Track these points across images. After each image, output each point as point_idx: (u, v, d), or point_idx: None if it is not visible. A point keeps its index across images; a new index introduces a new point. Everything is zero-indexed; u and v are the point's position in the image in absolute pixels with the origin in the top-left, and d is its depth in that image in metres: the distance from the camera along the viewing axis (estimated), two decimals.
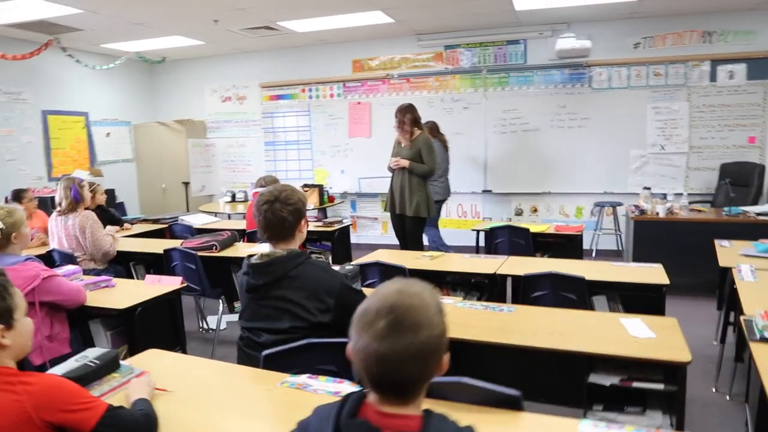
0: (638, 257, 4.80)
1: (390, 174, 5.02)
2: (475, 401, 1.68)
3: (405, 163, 4.76)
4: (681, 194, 5.30)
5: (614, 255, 6.14)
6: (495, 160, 6.88)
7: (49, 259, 4.25)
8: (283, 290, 2.11)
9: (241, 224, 5.58)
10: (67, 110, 6.95)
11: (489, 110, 6.84)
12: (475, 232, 4.80)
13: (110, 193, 6.83)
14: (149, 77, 8.20)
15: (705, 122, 6.14)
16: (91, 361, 1.83)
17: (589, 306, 2.99)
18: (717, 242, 3.84)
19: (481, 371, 2.24)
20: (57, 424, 1.38)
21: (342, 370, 2.10)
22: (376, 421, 1.02)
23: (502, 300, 3.28)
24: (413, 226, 4.88)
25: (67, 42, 6.50)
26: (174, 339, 3.17)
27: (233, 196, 7.28)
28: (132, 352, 2.90)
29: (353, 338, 1.06)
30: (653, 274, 3.12)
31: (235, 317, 4.51)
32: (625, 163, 6.44)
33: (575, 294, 2.97)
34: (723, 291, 3.60)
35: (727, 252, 3.57)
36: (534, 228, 4.51)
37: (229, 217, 6.30)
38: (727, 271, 3.44)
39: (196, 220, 5.42)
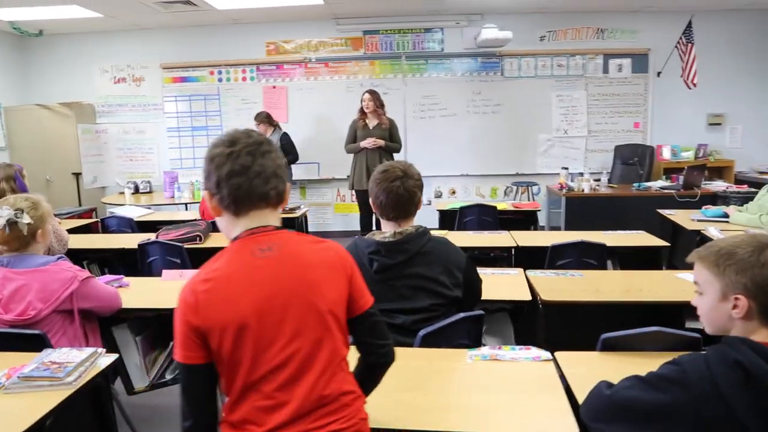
0: (571, 229, 5.33)
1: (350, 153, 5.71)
2: (659, 348, 1.83)
3: (381, 142, 5.47)
4: (601, 173, 5.96)
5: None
6: (415, 145, 7.08)
7: None
8: (416, 267, 2.08)
9: (181, 215, 5.21)
10: None
11: (408, 95, 7.02)
12: (438, 212, 5.00)
13: None
14: (20, 53, 7.04)
15: (600, 109, 6.95)
16: None
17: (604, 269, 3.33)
18: (662, 211, 4.44)
19: (595, 330, 2.42)
20: None
21: (473, 343, 2.14)
22: None
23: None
24: None
25: None
26: None
27: (136, 188, 6.64)
28: None
29: (742, 275, 1.22)
30: (645, 238, 3.57)
31: None
32: (534, 146, 7.05)
33: (595, 260, 3.28)
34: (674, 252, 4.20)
35: (678, 218, 4.14)
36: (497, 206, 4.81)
37: (186, 207, 5.82)
38: (678, 233, 4.06)
39: (131, 213, 4.88)
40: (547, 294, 2.42)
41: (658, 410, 1.20)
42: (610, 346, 1.84)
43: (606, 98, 6.91)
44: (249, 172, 1.25)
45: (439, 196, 7.24)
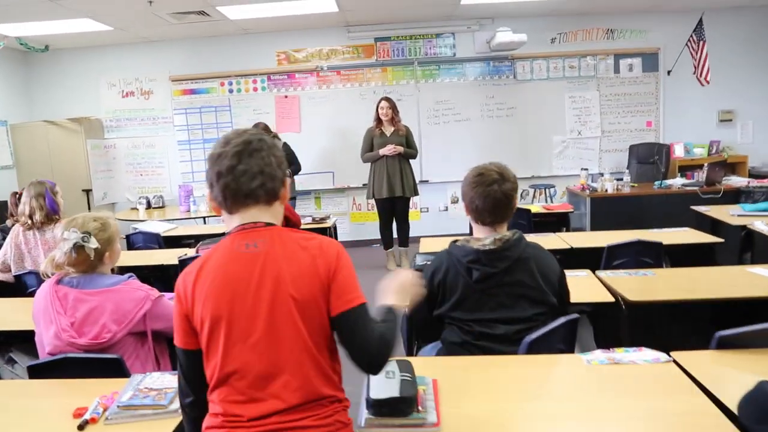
0: (596, 230, 5.30)
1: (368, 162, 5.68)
2: None
3: (401, 149, 5.50)
4: (623, 173, 5.95)
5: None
6: (429, 150, 7.04)
7: (17, 287, 3.46)
8: (516, 275, 2.01)
9: (201, 229, 5.12)
10: None
11: (422, 101, 6.99)
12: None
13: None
14: (25, 69, 6.89)
15: (612, 109, 6.97)
16: (403, 376, 1.56)
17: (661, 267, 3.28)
18: (696, 208, 4.43)
19: (677, 329, 2.37)
20: None
21: (567, 348, 2.09)
22: None
23: None
24: (407, 206, 5.76)
25: None
26: None
27: (148, 203, 6.50)
28: None
29: None
30: (696, 235, 3.54)
31: None
32: (549, 148, 7.04)
33: (651, 258, 3.24)
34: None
35: (716, 215, 4.13)
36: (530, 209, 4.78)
37: (205, 221, 5.67)
38: (718, 229, 4.04)
39: (156, 228, 4.76)
40: (631, 294, 2.36)
41: None
42: (724, 344, 1.79)
43: (618, 98, 6.93)
44: (235, 171, 1.30)
45: (455, 201, 7.19)
